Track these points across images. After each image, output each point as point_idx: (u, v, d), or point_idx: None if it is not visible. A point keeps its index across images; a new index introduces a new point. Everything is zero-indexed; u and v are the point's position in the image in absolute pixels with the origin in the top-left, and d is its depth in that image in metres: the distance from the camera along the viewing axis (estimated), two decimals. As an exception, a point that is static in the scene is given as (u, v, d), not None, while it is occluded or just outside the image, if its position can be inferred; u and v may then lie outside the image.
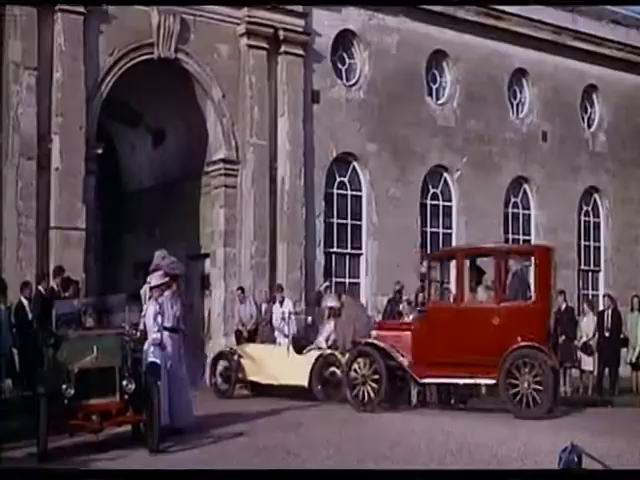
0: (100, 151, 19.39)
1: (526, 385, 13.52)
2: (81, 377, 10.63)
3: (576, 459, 4.55)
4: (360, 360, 14.58)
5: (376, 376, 14.36)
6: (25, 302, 15.53)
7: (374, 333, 15.33)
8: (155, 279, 12.54)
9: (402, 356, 14.43)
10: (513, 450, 10.42)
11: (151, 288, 12.51)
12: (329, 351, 16.55)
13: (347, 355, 15.41)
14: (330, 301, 17.65)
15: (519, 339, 13.65)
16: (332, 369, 16.32)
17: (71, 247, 18.25)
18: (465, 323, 14.09)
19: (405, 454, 10.36)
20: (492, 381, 14.01)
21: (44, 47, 18.40)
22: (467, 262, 14.83)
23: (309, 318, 19.26)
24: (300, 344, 17.22)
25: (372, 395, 14.36)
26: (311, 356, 16.65)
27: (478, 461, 9.79)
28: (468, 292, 14.77)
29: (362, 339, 15.33)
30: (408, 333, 14.66)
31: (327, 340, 16.93)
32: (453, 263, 15.14)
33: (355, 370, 14.56)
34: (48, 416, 10.24)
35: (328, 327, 17.14)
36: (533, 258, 14.85)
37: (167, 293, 12.66)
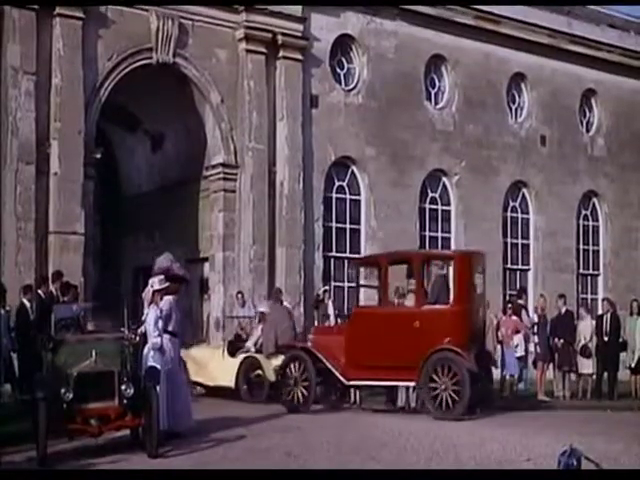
0: (99, 156, 19.42)
1: (444, 387, 13.90)
2: (80, 381, 10.62)
3: (575, 462, 4.57)
4: (293, 364, 15.24)
5: (307, 379, 15.04)
6: (27, 304, 15.54)
7: (311, 337, 16.05)
8: (157, 283, 12.52)
9: (335, 359, 14.96)
10: (505, 452, 10.44)
11: (154, 291, 12.48)
12: (253, 354, 17.28)
13: (282, 358, 16.06)
14: (261, 306, 18.41)
15: (438, 342, 14.02)
16: (257, 371, 17.06)
17: (70, 251, 18.27)
18: (389, 327, 14.51)
19: (391, 455, 10.40)
20: (414, 383, 14.40)
21: (43, 52, 18.43)
22: (390, 268, 15.24)
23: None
24: (237, 347, 17.90)
25: (303, 397, 15.02)
26: (239, 359, 17.42)
27: (464, 463, 9.81)
28: (392, 296, 15.49)
29: (293, 342, 16.36)
30: (342, 337, 15.20)
31: (255, 344, 17.57)
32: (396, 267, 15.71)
33: (289, 373, 15.22)
34: (47, 420, 10.23)
35: (256, 331, 17.81)
36: (452, 263, 15.06)
37: (169, 297, 12.65)
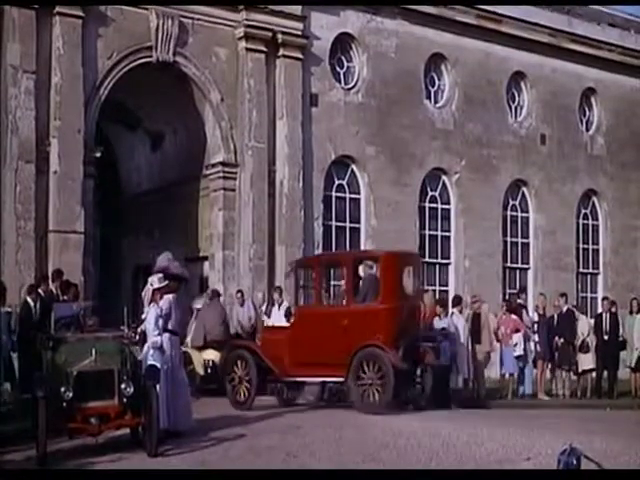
0: (99, 154, 19.42)
1: (370, 382, 14.33)
2: (80, 380, 10.62)
3: (575, 461, 4.56)
4: (238, 362, 15.61)
5: (248, 377, 15.39)
6: (31, 304, 15.52)
7: (260, 336, 16.98)
8: (158, 281, 12.51)
9: (278, 357, 15.37)
10: (505, 451, 10.43)
11: (154, 290, 12.48)
12: (186, 349, 17.41)
13: (211, 352, 17.13)
14: (197, 303, 18.85)
15: (367, 339, 14.44)
16: (191, 366, 17.28)
17: (70, 250, 18.27)
18: (323, 325, 15.02)
19: (392, 455, 10.40)
20: (343, 379, 14.77)
21: (42, 50, 18.43)
22: (323, 269, 16.09)
23: None
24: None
25: (247, 394, 15.37)
26: None
27: (465, 462, 9.81)
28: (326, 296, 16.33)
29: (229, 339, 17.42)
30: (287, 336, 15.70)
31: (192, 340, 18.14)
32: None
33: (234, 371, 15.59)
34: (47, 419, 10.23)
35: (191, 327, 18.32)
36: (379, 263, 15.44)
37: (169, 296, 12.64)
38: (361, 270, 15.45)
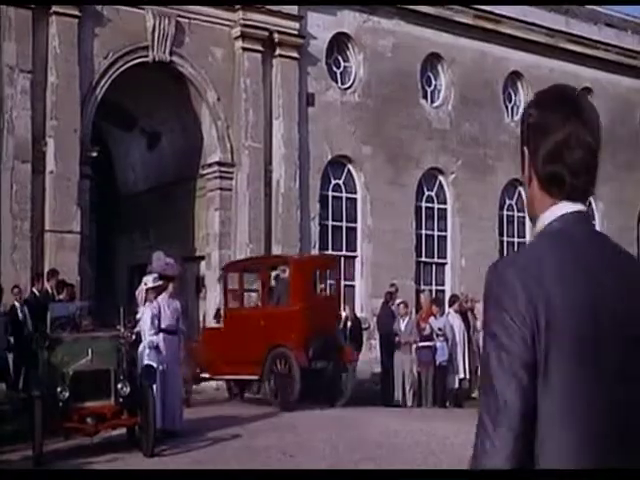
0: (95, 154, 19.39)
1: (280, 380, 15.18)
2: (76, 380, 10.62)
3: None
4: None
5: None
6: (17, 305, 15.52)
7: (199, 337, 17.86)
8: (151, 281, 12.52)
9: (210, 356, 16.17)
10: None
11: (147, 290, 12.48)
12: None
13: None
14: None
15: (279, 339, 15.28)
16: None
17: (66, 250, 18.24)
18: (244, 326, 15.91)
19: (388, 455, 10.40)
20: (258, 377, 15.72)
21: (39, 50, 18.40)
22: (245, 273, 17.23)
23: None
24: None
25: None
26: None
27: (462, 462, 9.78)
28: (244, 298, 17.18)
29: None
30: (217, 336, 16.67)
31: None
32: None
33: None
34: (43, 419, 10.22)
35: None
36: (289, 268, 16.36)
37: (163, 295, 12.64)
38: (274, 274, 16.80)
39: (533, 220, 2.33)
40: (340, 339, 16.41)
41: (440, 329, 17.40)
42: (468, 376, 18.22)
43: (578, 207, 2.27)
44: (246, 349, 15.30)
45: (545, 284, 2.04)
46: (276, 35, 21.09)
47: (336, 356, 15.52)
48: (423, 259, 23.77)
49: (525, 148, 2.32)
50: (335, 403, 15.39)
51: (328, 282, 17.29)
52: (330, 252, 22.35)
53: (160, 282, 12.58)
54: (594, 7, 27.97)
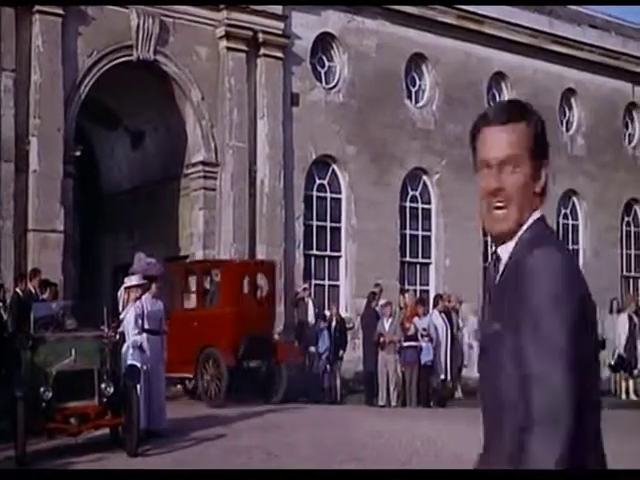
0: (78, 153, 19.32)
1: (210, 379, 16.04)
2: (59, 380, 10.58)
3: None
4: None
5: None
6: (0, 304, 15.44)
7: None
8: (131, 280, 12.52)
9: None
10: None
11: (126, 288, 12.49)
12: None
13: None
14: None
15: (211, 339, 16.18)
16: None
17: (49, 249, 18.17)
18: (183, 327, 16.38)
19: (372, 455, 10.40)
20: (192, 375, 16.57)
21: (22, 49, 18.31)
22: (185, 275, 17.93)
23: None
24: None
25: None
26: None
27: (445, 461, 9.82)
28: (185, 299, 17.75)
29: None
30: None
31: None
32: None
33: None
34: (26, 419, 10.18)
35: None
36: (221, 272, 17.35)
37: (146, 295, 12.62)
38: (209, 277, 17.59)
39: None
40: (273, 339, 17.37)
41: (424, 329, 17.43)
42: (449, 377, 18.27)
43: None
44: (183, 349, 15.94)
45: None
46: (260, 35, 21.07)
47: (270, 355, 16.36)
48: (407, 259, 23.80)
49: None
50: (270, 400, 16.02)
51: (262, 286, 17.77)
52: (314, 252, 22.39)
53: (140, 282, 12.57)
54: (577, 8, 28.08)
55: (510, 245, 2.58)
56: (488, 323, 2.56)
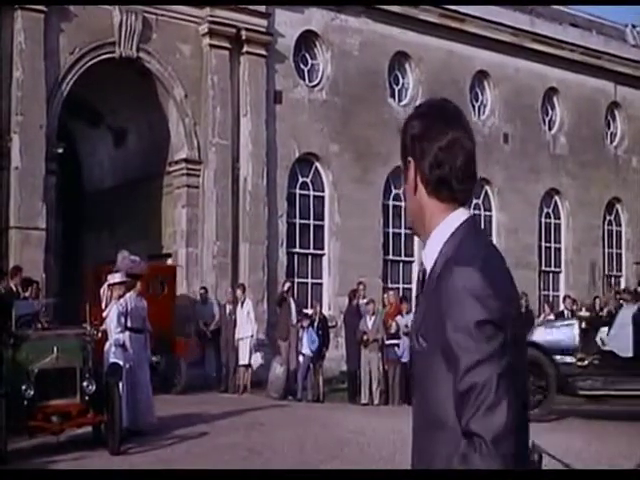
0: (61, 150, 19.25)
1: None
2: (41, 378, 10.55)
3: (537, 457, 4.57)
4: None
5: None
6: None
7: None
8: (114, 278, 12.49)
9: None
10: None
11: (109, 285, 12.46)
12: None
13: None
14: None
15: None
16: None
17: (31, 247, 18.09)
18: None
19: (354, 454, 10.41)
20: None
21: (4, 45, 18.23)
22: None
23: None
24: None
25: None
26: None
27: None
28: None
29: None
30: None
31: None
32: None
33: None
34: (7, 417, 10.14)
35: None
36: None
37: (130, 293, 12.60)
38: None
39: (418, 232, 2.55)
40: (173, 336, 18.03)
41: (407, 326, 17.45)
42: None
43: (467, 214, 2.53)
44: None
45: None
46: (244, 32, 21.05)
47: (169, 350, 17.22)
48: (390, 257, 23.83)
49: (410, 158, 2.49)
50: (170, 391, 16.95)
51: (161, 286, 19.21)
52: (298, 250, 22.39)
53: (123, 279, 12.55)
54: (559, 7, 28.18)
55: (430, 253, 2.46)
56: (415, 336, 2.40)
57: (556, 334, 14.70)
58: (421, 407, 2.42)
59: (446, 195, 2.49)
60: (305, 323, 18.15)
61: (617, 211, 29.63)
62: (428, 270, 2.45)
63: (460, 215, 2.49)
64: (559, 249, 27.85)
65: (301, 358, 17.86)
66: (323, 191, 22.96)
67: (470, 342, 2.20)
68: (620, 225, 29.69)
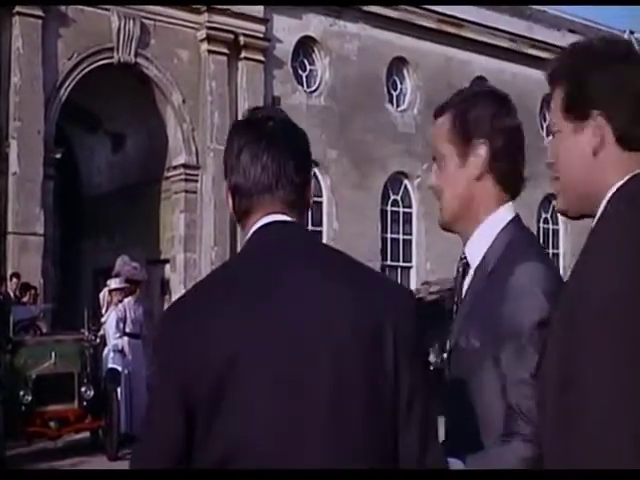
0: (59, 156, 19.26)
1: None
2: (39, 383, 10.54)
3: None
4: None
5: None
6: None
7: None
8: (114, 283, 12.48)
9: None
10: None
11: (110, 291, 12.44)
12: None
13: None
14: None
15: None
16: None
17: (29, 252, 18.09)
18: None
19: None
20: None
21: (2, 51, 18.25)
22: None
23: None
24: None
25: None
26: None
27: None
28: None
29: None
30: None
31: None
32: None
33: None
34: (5, 423, 10.13)
35: None
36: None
37: (129, 299, 12.59)
38: None
39: (457, 224, 2.40)
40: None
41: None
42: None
43: (514, 208, 2.33)
44: None
45: None
46: (242, 38, 21.07)
47: None
48: (388, 263, 23.84)
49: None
50: None
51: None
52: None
53: (124, 285, 12.54)
54: (557, 13, 28.21)
55: (477, 246, 2.29)
56: (462, 335, 2.24)
57: None
58: (462, 408, 2.22)
59: (510, 185, 2.33)
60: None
61: (615, 216, 29.65)
62: (473, 266, 2.30)
63: (510, 209, 2.33)
64: (557, 255, 27.87)
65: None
66: (321, 197, 22.96)
67: (531, 346, 2.08)
68: (618, 230, 29.71)
